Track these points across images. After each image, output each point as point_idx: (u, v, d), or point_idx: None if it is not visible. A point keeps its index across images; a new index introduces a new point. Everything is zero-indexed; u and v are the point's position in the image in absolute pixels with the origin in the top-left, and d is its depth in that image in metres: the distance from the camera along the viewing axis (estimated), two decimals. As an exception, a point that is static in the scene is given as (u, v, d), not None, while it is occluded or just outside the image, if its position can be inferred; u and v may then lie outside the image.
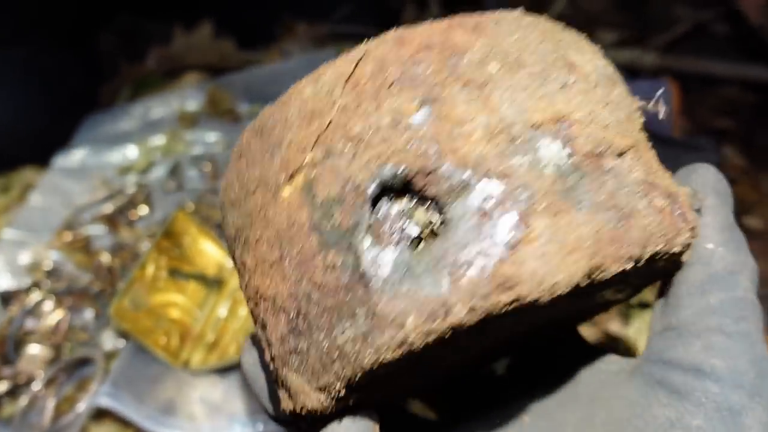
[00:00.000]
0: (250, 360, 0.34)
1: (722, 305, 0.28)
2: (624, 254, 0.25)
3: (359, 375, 0.25)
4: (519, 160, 0.25)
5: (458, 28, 0.28)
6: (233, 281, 0.76)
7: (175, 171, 0.99)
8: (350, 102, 0.27)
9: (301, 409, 0.27)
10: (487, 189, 0.25)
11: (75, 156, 1.09)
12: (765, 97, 0.94)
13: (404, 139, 0.26)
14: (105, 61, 1.33)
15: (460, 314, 0.24)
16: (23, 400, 0.68)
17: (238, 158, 0.30)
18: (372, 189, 0.26)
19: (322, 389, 0.26)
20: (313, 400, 0.27)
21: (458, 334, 0.24)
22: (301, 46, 1.17)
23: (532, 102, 0.26)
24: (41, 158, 1.14)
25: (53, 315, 0.77)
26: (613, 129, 0.27)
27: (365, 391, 0.27)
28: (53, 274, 0.84)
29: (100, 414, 0.66)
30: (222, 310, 0.74)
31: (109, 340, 0.71)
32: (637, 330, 0.63)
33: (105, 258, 0.83)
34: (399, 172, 0.25)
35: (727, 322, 0.28)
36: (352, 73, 0.27)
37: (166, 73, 1.26)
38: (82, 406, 0.65)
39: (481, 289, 0.24)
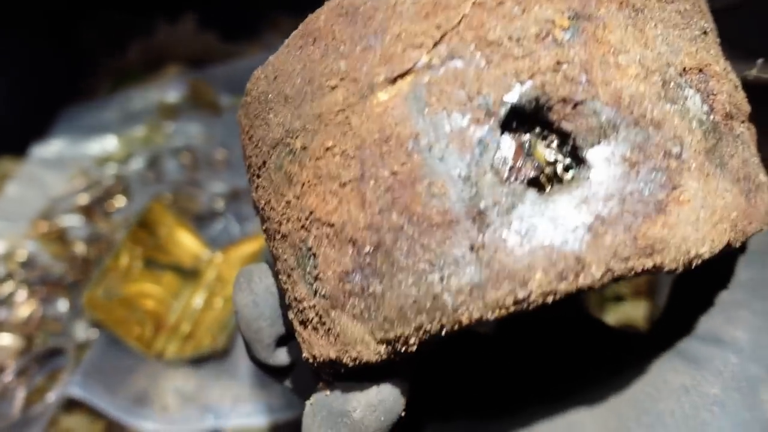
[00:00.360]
0: (245, 300, 0.30)
1: (752, 282, 0.28)
2: (752, 229, 0.23)
3: (450, 330, 0.21)
4: (671, 107, 0.22)
5: None
6: (209, 272, 0.75)
7: (154, 162, 0.98)
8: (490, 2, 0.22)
9: (349, 359, 0.23)
10: (638, 137, 0.21)
11: (53, 146, 1.08)
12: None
13: (552, 57, 0.21)
14: (86, 53, 1.31)
15: (596, 275, 0.20)
16: (-7, 391, 0.67)
17: (306, 43, 0.24)
18: (505, 110, 0.21)
19: (389, 342, 0.22)
20: (372, 352, 0.23)
21: None
22: (282, 39, 1.16)
23: (683, 43, 0.23)
24: (19, 149, 1.13)
25: (26, 305, 0.76)
26: (740, 91, 0.25)
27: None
28: (27, 264, 0.83)
29: (71, 405, 0.65)
30: (198, 301, 0.73)
31: (82, 331, 0.70)
32: (614, 323, 0.63)
33: (80, 248, 0.82)
34: (541, 96, 0.21)
35: (754, 299, 0.27)
36: None
37: (147, 66, 1.25)
38: (53, 397, 0.64)
39: (624, 251, 0.20)
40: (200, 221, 0.82)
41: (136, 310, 0.69)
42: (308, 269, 0.24)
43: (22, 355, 0.70)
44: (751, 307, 0.27)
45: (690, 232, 0.21)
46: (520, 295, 0.20)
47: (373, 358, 0.23)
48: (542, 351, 0.34)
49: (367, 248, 0.22)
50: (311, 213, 0.23)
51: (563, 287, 0.20)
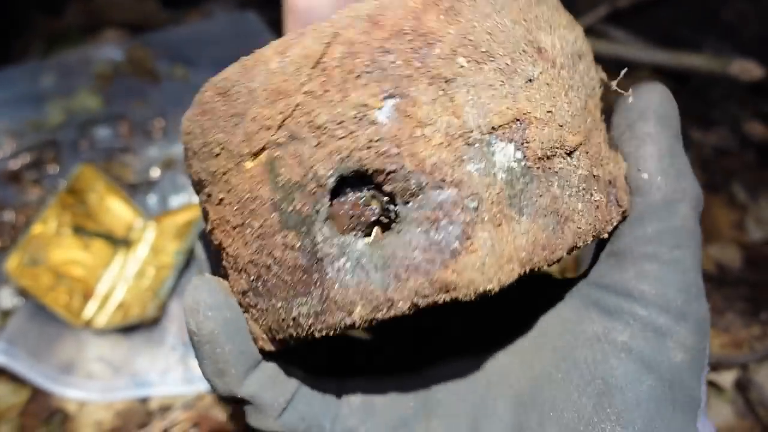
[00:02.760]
0: (207, 327, 0.29)
1: (658, 234, 0.29)
2: (555, 257, 0.27)
3: (310, 338, 0.28)
4: (474, 166, 0.26)
5: (433, 10, 0.27)
6: (142, 242, 0.74)
7: (87, 129, 0.95)
8: (317, 88, 0.26)
9: (261, 349, 0.30)
10: (440, 197, 0.26)
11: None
12: (678, 83, 0.98)
13: (366, 136, 0.26)
14: (19, 13, 1.26)
15: (402, 309, 0.26)
16: None
17: (201, 112, 0.29)
18: (332, 181, 0.26)
19: (278, 341, 0.30)
20: (270, 346, 0.30)
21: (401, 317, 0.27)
22: (225, 8, 1.15)
23: (494, 103, 0.27)
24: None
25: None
26: (569, 124, 0.28)
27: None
28: (-49, 230, 0.80)
29: (-6, 373, 0.63)
30: (130, 271, 0.72)
31: (7, 298, 0.69)
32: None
33: (8, 215, 0.79)
34: (359, 168, 0.26)
35: (662, 251, 0.29)
36: (321, 56, 0.26)
37: (84, 29, 1.21)
38: (-27, 364, 0.63)
39: (424, 290, 0.26)
40: (134, 190, 0.81)
41: (63, 278, 0.68)
42: (228, 276, 0.31)
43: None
44: (660, 259, 0.29)
45: (476, 276, 0.25)
46: (348, 321, 0.26)
47: (273, 349, 0.30)
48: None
49: (252, 277, 0.29)
50: (220, 243, 0.30)
51: (379, 316, 0.26)
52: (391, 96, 0.26)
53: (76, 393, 0.62)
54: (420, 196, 0.26)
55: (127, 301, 0.69)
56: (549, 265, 0.27)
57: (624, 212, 0.30)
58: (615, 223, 0.29)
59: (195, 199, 0.80)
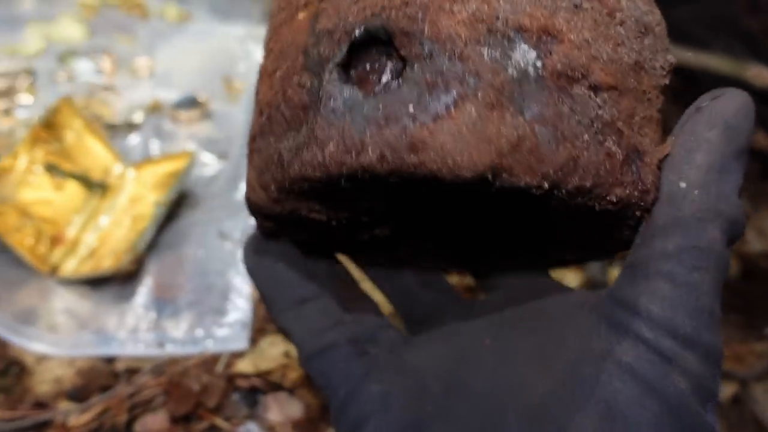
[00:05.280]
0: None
1: (679, 252, 0.27)
2: (538, 169, 0.26)
3: (287, 182, 0.29)
4: (487, 51, 0.27)
5: None
6: (119, 188, 0.69)
7: (67, 60, 0.89)
8: None
9: (248, 200, 0.32)
10: (444, 66, 0.27)
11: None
12: (681, 80, 0.95)
13: (400, 0, 0.28)
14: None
15: (371, 158, 0.26)
16: None
17: None
18: (357, 33, 0.28)
19: (263, 187, 0.31)
20: (258, 194, 0.31)
21: (376, 185, 0.28)
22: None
23: (531, 7, 0.27)
24: None
25: None
26: (605, 65, 0.27)
27: (304, 219, 0.32)
28: None
29: (-54, 314, 0.58)
30: (104, 219, 0.67)
31: (-34, 235, 0.63)
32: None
33: (-27, 144, 0.73)
34: (384, 25, 0.28)
35: (680, 271, 0.27)
36: None
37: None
38: (-76, 304, 0.57)
39: (394, 143, 0.26)
40: (114, 132, 0.75)
41: (31, 219, 0.63)
42: None
43: None
44: (675, 280, 0.27)
45: (448, 141, 0.26)
46: (319, 157, 0.27)
47: (259, 200, 0.31)
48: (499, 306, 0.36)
49: (264, 117, 0.30)
50: (257, 93, 0.32)
51: (348, 160, 0.26)
52: None
53: (36, 345, 0.57)
54: (427, 62, 0.27)
55: (99, 250, 0.64)
56: (530, 184, 0.26)
57: (644, 192, 0.27)
58: (625, 195, 0.27)
59: (177, 148, 0.75)
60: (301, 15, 0.30)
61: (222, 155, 0.74)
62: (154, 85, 0.83)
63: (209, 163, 0.72)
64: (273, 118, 0.30)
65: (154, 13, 0.99)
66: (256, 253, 0.35)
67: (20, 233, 0.61)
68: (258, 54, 0.87)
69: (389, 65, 0.28)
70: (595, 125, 0.27)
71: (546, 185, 0.26)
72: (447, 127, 0.26)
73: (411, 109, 0.26)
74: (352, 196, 0.30)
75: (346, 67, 0.28)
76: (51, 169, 0.65)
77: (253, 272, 0.35)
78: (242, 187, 0.68)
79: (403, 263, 0.40)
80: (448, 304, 0.38)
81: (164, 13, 0.98)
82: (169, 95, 0.81)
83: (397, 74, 0.28)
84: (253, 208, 0.32)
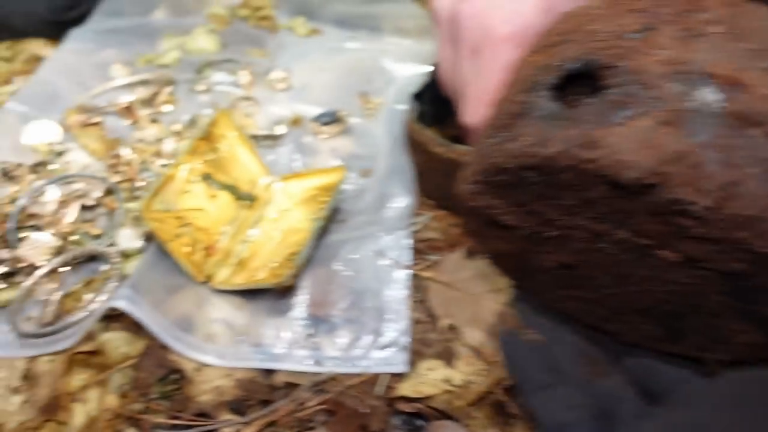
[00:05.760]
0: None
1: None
2: (698, 184, 0.28)
3: (485, 170, 0.36)
4: (672, 85, 0.31)
5: None
6: (267, 201, 0.69)
7: (204, 71, 0.90)
8: (605, 11, 0.37)
9: (458, 193, 0.41)
10: (633, 90, 0.32)
11: (92, 35, 0.99)
12: None
13: (614, 43, 0.34)
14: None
15: (553, 151, 0.32)
16: (21, 289, 0.61)
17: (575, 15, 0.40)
18: (568, 65, 0.35)
19: (468, 179, 0.39)
20: (464, 186, 0.39)
21: (557, 187, 0.34)
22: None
23: (724, 61, 0.31)
24: (55, 33, 1.04)
25: (61, 202, 0.69)
26: None
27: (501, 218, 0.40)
28: (61, 156, 0.76)
29: (110, 317, 0.59)
30: (253, 231, 0.67)
31: (126, 239, 0.64)
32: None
33: (124, 150, 0.75)
34: (598, 60, 0.34)
35: None
36: None
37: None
38: (94, 306, 0.58)
39: (574, 141, 0.31)
40: (256, 144, 0.76)
41: (188, 227, 0.63)
42: None
43: (55, 255, 0.64)
44: None
45: (619, 143, 0.30)
46: (513, 149, 0.35)
47: (464, 192, 0.42)
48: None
49: (492, 115, 0.41)
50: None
51: (535, 152, 0.33)
52: (646, 27, 0.34)
53: (195, 354, 0.57)
54: (619, 88, 0.32)
55: (250, 262, 0.65)
56: (688, 198, 0.29)
57: None
58: None
59: (320, 162, 0.75)
60: (532, 57, 0.39)
61: (365, 172, 0.73)
62: (292, 99, 0.84)
63: (351, 179, 0.72)
64: (491, 124, 0.39)
65: (283, 26, 1.00)
66: (511, 340, 0.42)
67: (179, 241, 0.62)
68: (392, 69, 0.87)
69: (588, 90, 0.34)
70: (765, 165, 0.29)
71: (704, 203, 0.28)
72: (620, 132, 0.31)
73: (594, 117, 0.32)
74: (537, 198, 0.36)
75: (555, 89, 0.36)
76: (207, 179, 0.66)
77: (509, 357, 0.41)
78: (391, 205, 0.68)
79: (607, 319, 0.44)
80: (688, 377, 0.37)
81: (294, 28, 0.99)
82: (308, 109, 0.81)
83: (593, 95, 0.34)
84: (460, 200, 0.40)
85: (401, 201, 0.67)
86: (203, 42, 0.97)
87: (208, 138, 0.66)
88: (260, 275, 0.62)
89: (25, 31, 1.02)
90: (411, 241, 0.64)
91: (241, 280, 0.63)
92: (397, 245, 0.64)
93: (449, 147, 0.63)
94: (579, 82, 0.35)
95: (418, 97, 0.72)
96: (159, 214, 0.61)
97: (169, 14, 1.05)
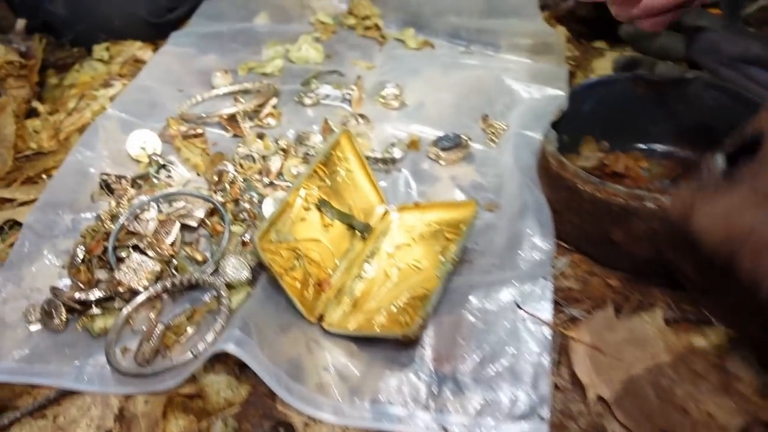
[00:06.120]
0: None
1: None
2: None
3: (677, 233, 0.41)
4: None
5: None
6: (383, 233, 0.63)
7: (309, 83, 0.84)
8: None
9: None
10: None
11: (193, 39, 0.95)
12: None
13: None
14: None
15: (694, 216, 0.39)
16: (120, 317, 0.56)
17: None
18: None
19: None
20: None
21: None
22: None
23: None
24: (153, 35, 1.00)
25: (162, 222, 0.64)
26: None
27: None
28: (163, 169, 0.71)
29: (213, 358, 0.53)
30: (367, 266, 0.60)
31: (232, 269, 0.59)
32: None
33: (227, 166, 0.69)
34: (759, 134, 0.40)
35: None
36: None
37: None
38: (200, 347, 0.52)
39: (682, 205, 0.40)
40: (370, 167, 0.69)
41: (301, 259, 0.57)
42: None
43: (156, 280, 0.59)
44: None
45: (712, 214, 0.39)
46: (671, 204, 0.43)
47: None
48: None
49: None
50: None
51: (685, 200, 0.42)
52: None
53: (308, 408, 0.51)
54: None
55: (365, 301, 0.58)
56: None
57: None
58: None
59: (439, 192, 0.68)
60: None
61: (490, 205, 0.66)
62: (406, 119, 0.77)
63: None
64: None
65: (392, 37, 0.94)
66: None
67: (291, 275, 0.56)
68: (515, 89, 0.79)
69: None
70: None
71: None
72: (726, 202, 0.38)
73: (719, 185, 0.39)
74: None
75: (726, 157, 0.42)
76: (323, 206, 0.60)
77: None
78: (526, 247, 0.60)
79: None
80: None
81: (404, 40, 0.92)
82: (425, 131, 0.75)
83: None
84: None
85: (539, 244, 0.59)
86: (308, 51, 0.91)
87: (327, 162, 0.60)
88: (379, 321, 0.55)
89: (123, 32, 1.00)
90: (551, 293, 0.56)
91: (356, 325, 0.56)
92: (535, 296, 0.56)
93: (601, 186, 0.55)
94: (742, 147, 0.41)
95: (556, 125, 0.64)
96: (274, 245, 0.55)
97: (271, 20, 1.00)
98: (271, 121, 0.79)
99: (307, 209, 0.58)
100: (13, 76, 0.84)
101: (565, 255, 0.61)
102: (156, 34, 1.02)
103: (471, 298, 0.57)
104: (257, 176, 0.70)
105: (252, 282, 0.59)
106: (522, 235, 0.60)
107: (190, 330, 0.56)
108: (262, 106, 0.79)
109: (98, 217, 0.65)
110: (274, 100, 0.80)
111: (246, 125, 0.78)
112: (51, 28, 1.01)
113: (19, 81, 0.84)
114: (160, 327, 0.55)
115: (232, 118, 0.78)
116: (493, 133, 0.74)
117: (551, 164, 0.60)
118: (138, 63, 0.96)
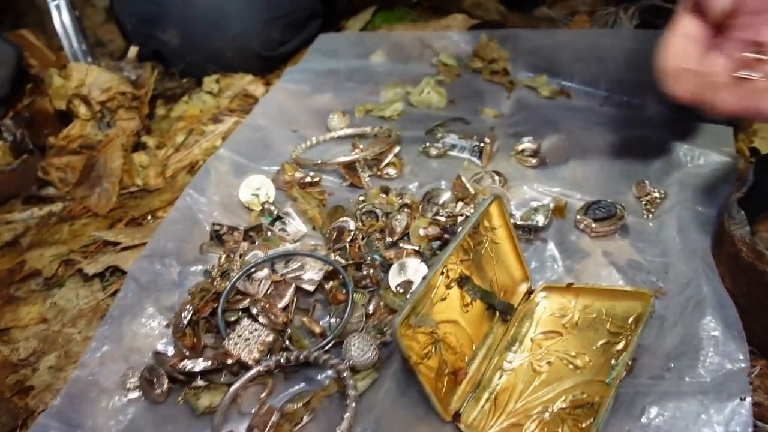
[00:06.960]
0: None
1: None
2: None
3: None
4: None
5: None
6: (526, 316, 0.54)
7: (435, 132, 0.77)
8: None
9: None
10: None
11: (308, 76, 0.89)
12: None
13: None
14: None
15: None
16: (228, 395, 0.49)
17: None
18: None
19: None
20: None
21: None
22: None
23: None
24: (263, 68, 0.96)
25: (275, 283, 0.57)
26: None
27: None
28: (277, 221, 0.65)
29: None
30: (512, 357, 0.52)
31: (357, 350, 0.51)
32: None
33: (350, 223, 0.62)
34: None
35: None
36: None
37: (425, 8, 1.05)
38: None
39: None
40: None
41: (438, 345, 0.49)
42: None
43: (268, 352, 0.52)
44: None
45: None
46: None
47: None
48: None
49: None
50: None
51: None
52: None
53: None
54: None
55: (506, 398, 0.49)
56: None
57: None
58: None
59: (590, 270, 0.58)
60: None
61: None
62: (547, 180, 0.68)
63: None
64: None
65: (521, 83, 0.85)
66: None
67: (427, 364, 0.48)
68: (673, 150, 0.69)
69: None
70: None
71: None
72: None
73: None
74: None
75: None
76: (465, 283, 0.51)
77: None
78: (706, 349, 0.49)
79: None
80: None
81: (535, 87, 0.84)
82: (569, 194, 0.65)
83: None
84: None
85: (728, 350, 0.49)
86: (430, 95, 0.84)
87: (475, 233, 0.52)
88: (531, 430, 0.46)
89: (234, 64, 0.95)
90: (749, 414, 0.46)
91: (500, 428, 0.47)
92: (727, 418, 0.45)
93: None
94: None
95: (743, 203, 0.54)
96: (411, 330, 0.47)
97: (388, 58, 0.93)
98: (392, 171, 0.72)
99: (448, 287, 0.50)
100: (125, 107, 0.80)
101: (754, 362, 0.51)
102: (266, 67, 0.97)
103: (639, 407, 0.47)
104: (377, 235, 0.62)
105: (376, 364, 0.51)
106: (701, 335, 0.50)
107: (305, 418, 0.48)
108: (383, 154, 0.72)
109: (207, 273, 0.59)
110: (396, 149, 0.73)
111: (364, 175, 0.71)
112: (161, 57, 0.98)
113: (129, 112, 0.80)
114: (276, 416, 0.47)
115: (350, 166, 0.71)
116: (648, 202, 0.64)
117: (742, 252, 0.50)
118: (248, 98, 0.91)
